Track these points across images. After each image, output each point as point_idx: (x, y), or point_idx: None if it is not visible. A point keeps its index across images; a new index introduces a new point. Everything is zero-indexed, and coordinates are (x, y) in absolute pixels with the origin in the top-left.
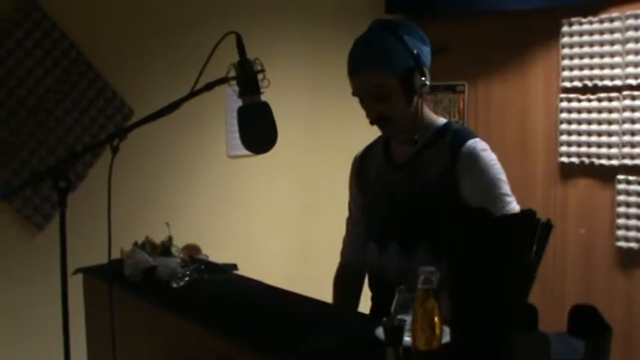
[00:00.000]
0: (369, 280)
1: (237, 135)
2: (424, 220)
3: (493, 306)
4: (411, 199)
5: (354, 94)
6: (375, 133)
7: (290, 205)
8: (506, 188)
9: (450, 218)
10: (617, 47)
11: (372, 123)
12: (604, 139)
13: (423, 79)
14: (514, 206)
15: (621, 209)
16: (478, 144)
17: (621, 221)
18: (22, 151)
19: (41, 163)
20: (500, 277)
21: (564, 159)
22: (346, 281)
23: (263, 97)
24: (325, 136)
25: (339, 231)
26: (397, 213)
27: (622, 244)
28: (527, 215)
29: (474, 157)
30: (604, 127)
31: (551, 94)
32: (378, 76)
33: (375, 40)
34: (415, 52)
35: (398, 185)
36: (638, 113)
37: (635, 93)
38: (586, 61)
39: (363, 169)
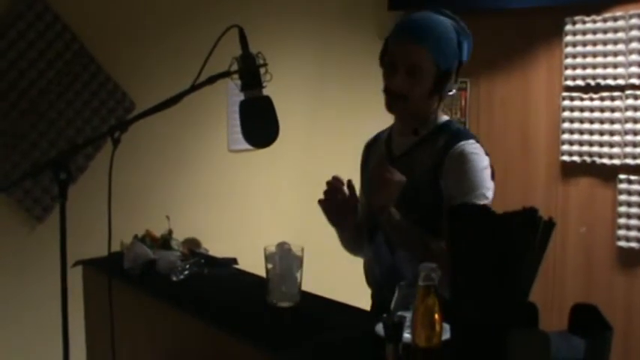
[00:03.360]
0: (365, 273)
1: (238, 129)
2: (408, 215)
3: (494, 304)
4: (399, 193)
5: (385, 59)
6: (377, 125)
7: (291, 200)
8: (482, 195)
9: (451, 216)
10: (620, 46)
11: (385, 91)
12: (606, 138)
13: (455, 85)
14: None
15: (622, 209)
16: (468, 146)
17: (622, 221)
18: (23, 144)
19: (42, 156)
20: (501, 275)
21: (566, 158)
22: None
23: (265, 92)
24: (326, 131)
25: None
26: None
27: (623, 243)
28: (529, 213)
29: (460, 158)
30: (606, 126)
31: (554, 92)
32: (422, 56)
33: (438, 25)
34: (463, 59)
35: None
36: None
37: (638, 92)
38: (589, 60)
39: (368, 157)
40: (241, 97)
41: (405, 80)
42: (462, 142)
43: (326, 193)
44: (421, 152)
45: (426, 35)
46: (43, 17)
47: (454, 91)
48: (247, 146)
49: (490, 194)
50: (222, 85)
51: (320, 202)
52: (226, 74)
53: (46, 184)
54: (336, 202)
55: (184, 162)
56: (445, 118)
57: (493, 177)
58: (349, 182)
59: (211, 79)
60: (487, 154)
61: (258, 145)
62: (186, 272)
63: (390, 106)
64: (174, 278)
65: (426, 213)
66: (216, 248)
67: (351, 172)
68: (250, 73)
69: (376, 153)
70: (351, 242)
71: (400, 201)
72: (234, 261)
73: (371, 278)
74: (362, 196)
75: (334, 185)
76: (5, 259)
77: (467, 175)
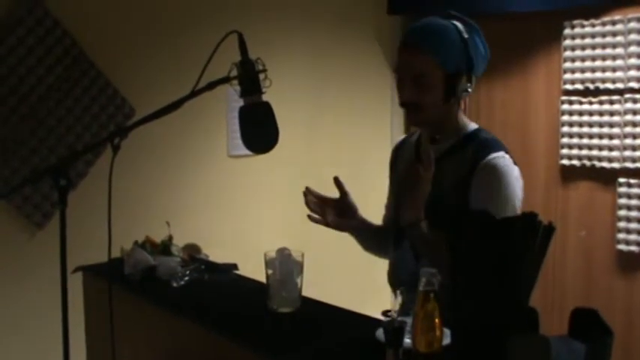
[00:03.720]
0: (388, 275)
1: (238, 135)
2: (435, 227)
3: (494, 308)
4: (430, 201)
5: (395, 70)
6: (376, 130)
7: (291, 205)
8: (513, 208)
9: (452, 221)
10: (619, 50)
11: (401, 105)
12: (605, 141)
13: (469, 84)
14: None
15: (622, 212)
16: (499, 160)
17: (622, 224)
18: (22, 150)
19: (42, 162)
20: (501, 279)
21: (565, 161)
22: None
23: (264, 97)
24: (326, 136)
25: (339, 232)
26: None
27: (623, 247)
28: (529, 218)
29: (490, 172)
30: (605, 129)
31: (553, 96)
32: (427, 61)
33: (439, 28)
34: (471, 56)
35: None
36: None
37: (637, 96)
38: (588, 63)
39: (397, 160)
40: (241, 102)
41: (414, 90)
42: (492, 155)
43: (308, 206)
44: (450, 162)
45: (424, 41)
46: (43, 23)
47: (470, 90)
48: (247, 152)
49: (519, 204)
50: (222, 91)
51: (310, 218)
52: (226, 80)
53: (46, 190)
54: (325, 210)
55: (184, 168)
56: (474, 126)
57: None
58: (336, 179)
59: (211, 85)
60: (515, 163)
61: (258, 151)
62: (186, 278)
63: (408, 117)
64: (175, 284)
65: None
66: (217, 254)
67: (351, 175)
68: (250, 78)
69: (404, 157)
70: (374, 246)
71: (429, 213)
72: (235, 267)
73: (395, 280)
74: (390, 198)
75: (307, 198)
76: (5, 266)
77: (499, 191)
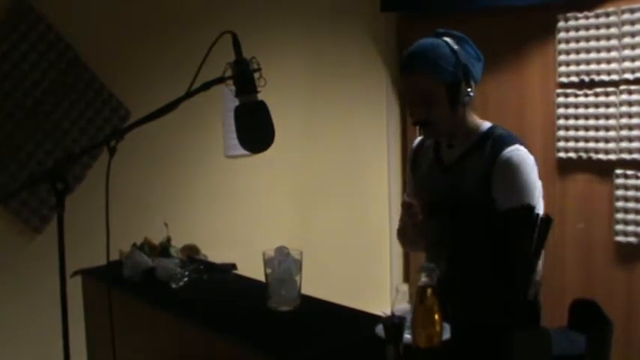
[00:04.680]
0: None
1: (234, 135)
2: (460, 224)
3: (492, 301)
4: (451, 203)
5: (404, 96)
6: (372, 127)
7: (289, 204)
8: (532, 199)
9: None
10: (613, 42)
11: (414, 124)
12: (601, 133)
13: (469, 90)
14: None
15: (619, 204)
16: (515, 152)
17: (620, 215)
18: (19, 155)
19: (39, 166)
20: (499, 272)
21: (562, 154)
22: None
23: (260, 96)
24: (323, 135)
25: (337, 229)
26: (437, 213)
27: (621, 238)
28: (526, 210)
29: (507, 167)
30: (601, 121)
31: (548, 89)
32: (426, 81)
33: (429, 47)
34: (464, 63)
35: (440, 188)
36: (635, 107)
37: (632, 87)
38: (582, 56)
39: (417, 160)
40: (236, 102)
41: (422, 108)
42: (507, 150)
43: (412, 218)
44: (470, 161)
45: (419, 63)
46: (36, 27)
47: (472, 94)
48: (244, 152)
49: (539, 194)
50: (217, 91)
51: (410, 228)
52: (221, 80)
53: (43, 194)
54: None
55: (181, 169)
56: (487, 124)
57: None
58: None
59: (206, 86)
60: (532, 153)
61: (255, 151)
62: (185, 279)
63: (423, 133)
64: (174, 285)
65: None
66: (215, 254)
67: (347, 172)
68: (244, 78)
69: (426, 159)
70: (414, 243)
71: (454, 212)
72: (234, 266)
73: None
74: (408, 188)
75: (413, 210)
76: (4, 271)
77: (516, 184)
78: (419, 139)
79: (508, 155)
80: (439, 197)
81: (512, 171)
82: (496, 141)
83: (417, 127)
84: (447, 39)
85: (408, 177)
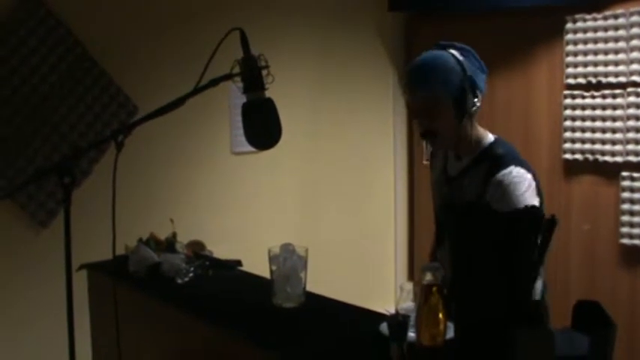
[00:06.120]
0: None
1: (241, 132)
2: (464, 225)
3: (497, 302)
4: (456, 210)
5: (409, 106)
6: (379, 125)
7: (294, 202)
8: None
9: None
10: (621, 44)
11: (422, 136)
12: (608, 135)
13: (475, 100)
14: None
15: (625, 206)
16: (507, 176)
17: (625, 218)
18: (26, 149)
19: (46, 161)
20: (504, 273)
21: (568, 156)
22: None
23: (267, 93)
24: (329, 133)
25: (342, 226)
26: (447, 218)
27: (626, 240)
28: (531, 211)
29: (499, 189)
30: (608, 123)
31: (556, 90)
32: (434, 94)
33: (436, 60)
34: (470, 74)
35: (447, 195)
36: None
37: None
38: (590, 57)
39: (433, 163)
40: (243, 99)
41: (428, 120)
42: (500, 173)
43: None
44: (469, 177)
45: (426, 77)
46: (45, 22)
47: (478, 104)
48: (250, 149)
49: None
50: (224, 88)
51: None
52: (228, 77)
53: (50, 188)
54: None
55: (188, 165)
56: (490, 139)
57: (539, 191)
58: None
59: (214, 82)
60: (529, 170)
61: (261, 147)
62: (190, 274)
63: (430, 145)
64: (179, 281)
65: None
66: (221, 250)
67: (353, 170)
68: (252, 75)
69: (437, 166)
70: None
71: (460, 219)
72: (239, 263)
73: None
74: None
75: None
76: (10, 265)
77: (507, 207)
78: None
79: (500, 179)
80: (445, 204)
81: (502, 193)
82: (492, 162)
83: (424, 141)
84: (453, 51)
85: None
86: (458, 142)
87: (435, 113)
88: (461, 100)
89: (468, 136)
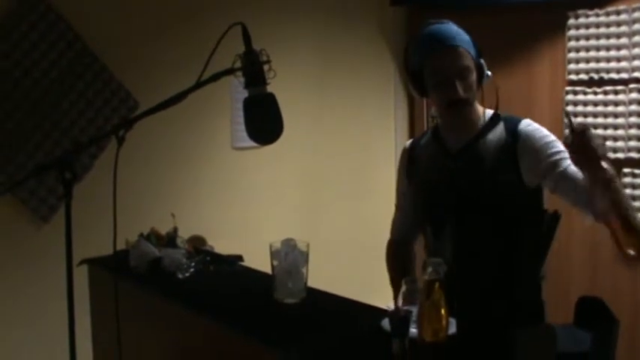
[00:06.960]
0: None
1: (242, 127)
2: (486, 200)
3: (499, 298)
4: (471, 183)
5: (434, 76)
6: (380, 120)
7: (296, 196)
8: (562, 147)
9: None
10: (623, 40)
11: (449, 105)
12: (610, 132)
13: (488, 71)
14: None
15: None
16: (532, 124)
17: None
18: (27, 144)
19: (47, 156)
20: (507, 269)
21: None
22: (396, 254)
23: (269, 88)
24: (331, 128)
25: (344, 222)
26: (456, 198)
27: None
28: (534, 209)
29: (532, 130)
30: (610, 120)
31: (558, 87)
32: (466, 55)
33: (448, 24)
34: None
35: (455, 172)
36: None
37: None
38: (592, 54)
39: (413, 159)
40: (245, 94)
41: (461, 85)
42: (523, 123)
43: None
44: (483, 144)
45: (455, 37)
46: (46, 17)
47: (490, 74)
48: (251, 143)
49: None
50: (226, 82)
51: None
52: (230, 71)
53: (51, 184)
54: None
55: (189, 160)
56: (490, 110)
57: None
58: None
59: (215, 77)
60: None
61: (263, 142)
62: (191, 270)
63: (458, 115)
64: (180, 276)
65: (508, 194)
66: (222, 245)
67: (355, 166)
68: (254, 70)
69: (425, 154)
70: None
71: (476, 191)
72: (240, 258)
73: None
74: (401, 199)
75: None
76: (11, 260)
77: (547, 139)
78: (410, 141)
79: (527, 125)
80: (446, 185)
81: (537, 133)
82: (508, 120)
83: (438, 115)
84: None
85: (401, 184)
86: (477, 112)
87: (467, 77)
88: (481, 69)
89: (475, 106)
